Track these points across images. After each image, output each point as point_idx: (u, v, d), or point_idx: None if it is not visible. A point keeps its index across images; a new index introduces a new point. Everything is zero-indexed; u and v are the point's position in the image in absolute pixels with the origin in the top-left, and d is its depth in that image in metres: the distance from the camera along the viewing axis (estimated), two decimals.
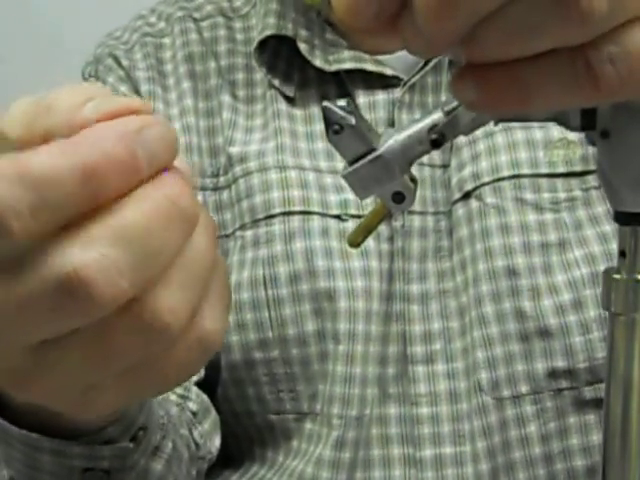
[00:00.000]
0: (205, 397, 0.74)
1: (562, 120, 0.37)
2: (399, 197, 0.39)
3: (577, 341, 0.70)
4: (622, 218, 0.37)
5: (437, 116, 0.38)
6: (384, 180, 0.38)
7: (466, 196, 0.72)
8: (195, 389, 0.73)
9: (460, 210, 0.72)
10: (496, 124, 0.39)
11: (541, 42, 0.31)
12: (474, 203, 0.72)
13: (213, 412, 0.74)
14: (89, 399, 0.35)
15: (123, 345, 0.33)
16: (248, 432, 0.76)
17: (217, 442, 0.73)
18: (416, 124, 0.38)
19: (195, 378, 0.73)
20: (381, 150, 0.38)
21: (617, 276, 0.37)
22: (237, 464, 0.77)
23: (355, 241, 0.41)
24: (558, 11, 0.29)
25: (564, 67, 0.31)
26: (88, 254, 0.31)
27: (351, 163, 0.38)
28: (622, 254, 0.37)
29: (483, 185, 0.72)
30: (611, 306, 0.37)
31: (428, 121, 0.38)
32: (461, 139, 0.74)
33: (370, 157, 0.38)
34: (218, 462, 0.75)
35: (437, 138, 0.38)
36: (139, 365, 0.34)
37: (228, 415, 0.75)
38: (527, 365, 0.70)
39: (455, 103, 0.38)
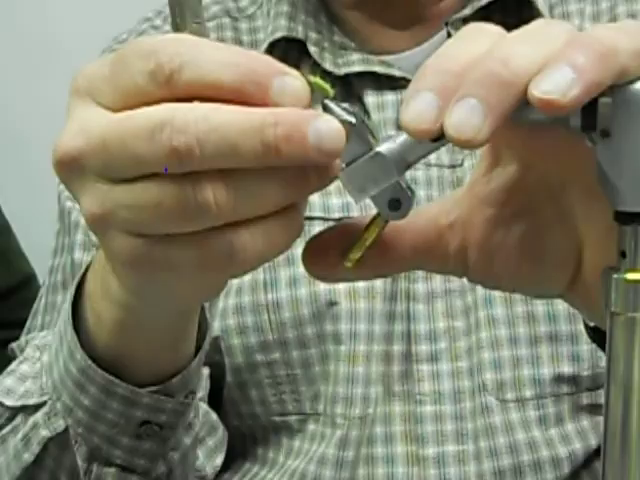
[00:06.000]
0: (214, 415, 0.73)
1: (562, 121, 0.37)
2: (396, 204, 0.39)
3: (584, 348, 0.70)
4: (622, 218, 0.37)
5: None
6: (381, 180, 0.38)
7: None
8: (204, 406, 0.72)
9: None
10: None
11: None
12: None
13: (220, 430, 0.74)
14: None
15: None
16: (252, 433, 0.76)
17: (218, 461, 0.73)
18: None
19: (201, 394, 0.72)
20: (379, 148, 0.38)
21: (617, 276, 0.37)
22: (237, 466, 0.76)
23: (353, 258, 0.41)
24: None
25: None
26: None
27: (349, 164, 0.38)
28: (622, 254, 0.37)
29: None
30: (611, 306, 0.37)
31: None
32: None
33: (368, 155, 0.38)
34: None
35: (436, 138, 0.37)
36: None
37: (233, 416, 0.76)
38: (533, 369, 0.70)
39: None
